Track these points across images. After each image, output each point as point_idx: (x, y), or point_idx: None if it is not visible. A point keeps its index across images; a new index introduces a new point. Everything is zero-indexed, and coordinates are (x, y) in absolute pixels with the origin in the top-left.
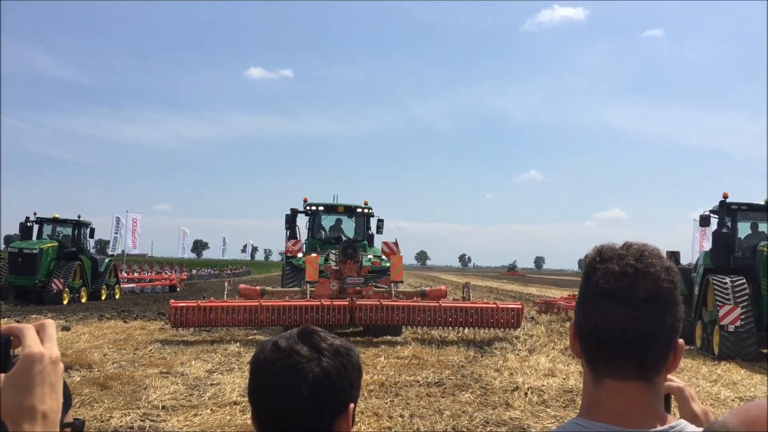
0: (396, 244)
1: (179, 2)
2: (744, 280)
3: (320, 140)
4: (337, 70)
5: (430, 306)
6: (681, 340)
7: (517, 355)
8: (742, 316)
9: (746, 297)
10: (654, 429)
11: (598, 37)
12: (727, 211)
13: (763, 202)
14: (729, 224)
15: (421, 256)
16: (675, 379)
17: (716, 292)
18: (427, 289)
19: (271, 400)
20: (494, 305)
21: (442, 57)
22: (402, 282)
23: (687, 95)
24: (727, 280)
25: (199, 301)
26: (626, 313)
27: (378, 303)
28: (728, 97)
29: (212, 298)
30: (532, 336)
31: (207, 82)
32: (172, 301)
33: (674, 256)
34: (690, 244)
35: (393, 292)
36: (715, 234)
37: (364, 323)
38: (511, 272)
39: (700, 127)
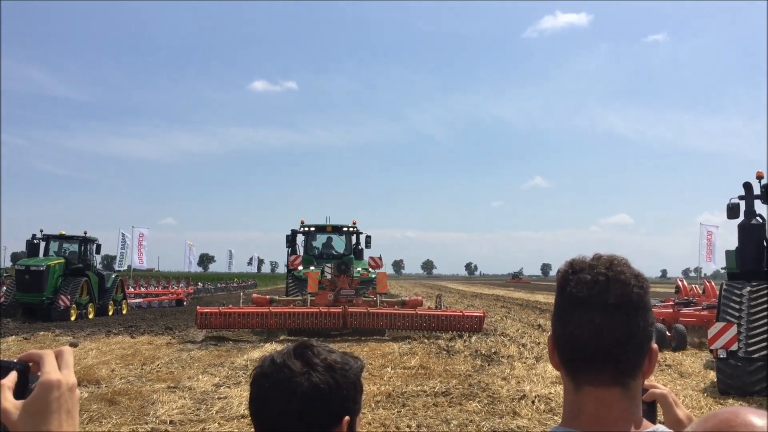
0: (380, 258)
1: (180, 17)
2: None
3: (324, 152)
4: (338, 81)
5: (408, 313)
6: (655, 345)
7: (524, 363)
8: (747, 339)
9: (766, 312)
10: None
11: (600, 43)
12: (765, 195)
13: None
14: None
15: (428, 266)
16: (659, 386)
17: (724, 304)
18: (407, 298)
19: (263, 412)
20: (460, 313)
21: (442, 66)
22: (386, 293)
23: (690, 99)
24: (746, 288)
25: (220, 308)
26: (600, 319)
27: (366, 310)
28: (731, 100)
29: (231, 305)
30: (539, 344)
31: (210, 96)
32: (198, 307)
33: None
34: (696, 249)
35: (378, 301)
36: (741, 228)
37: (355, 327)
38: (515, 279)
39: (704, 131)
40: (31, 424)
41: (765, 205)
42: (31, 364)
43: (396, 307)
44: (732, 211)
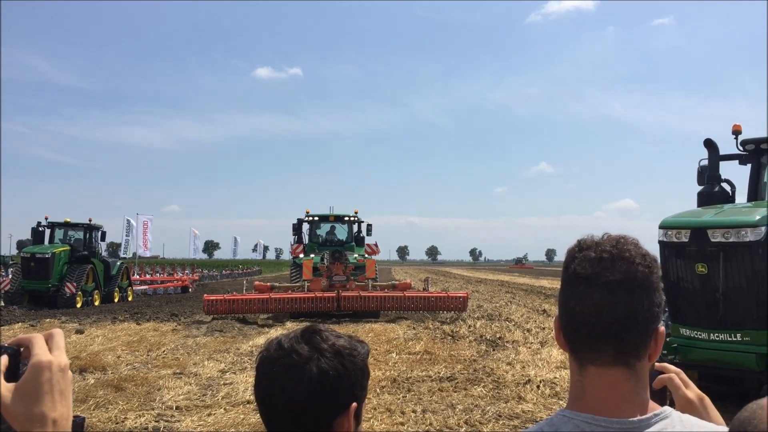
0: (376, 245)
1: (183, 4)
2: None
3: (328, 139)
4: (341, 69)
5: (397, 296)
6: (662, 327)
7: (529, 348)
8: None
9: None
10: (636, 417)
11: (606, 26)
12: (745, 153)
13: None
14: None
15: (432, 251)
16: (669, 367)
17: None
18: (396, 282)
19: (270, 397)
20: (445, 294)
21: (444, 53)
22: (376, 278)
23: (694, 83)
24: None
25: (225, 295)
26: (602, 296)
27: (357, 294)
28: (735, 85)
29: (234, 292)
30: (544, 329)
31: (214, 83)
32: (205, 295)
33: None
34: None
35: (370, 285)
36: (701, 197)
37: (348, 310)
38: (518, 265)
39: (708, 116)
40: (23, 405)
41: (751, 163)
42: (22, 348)
43: (386, 290)
44: (702, 176)
